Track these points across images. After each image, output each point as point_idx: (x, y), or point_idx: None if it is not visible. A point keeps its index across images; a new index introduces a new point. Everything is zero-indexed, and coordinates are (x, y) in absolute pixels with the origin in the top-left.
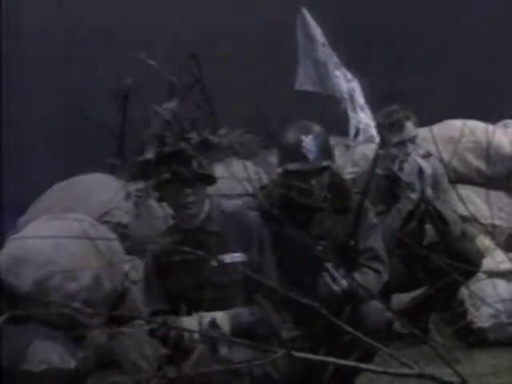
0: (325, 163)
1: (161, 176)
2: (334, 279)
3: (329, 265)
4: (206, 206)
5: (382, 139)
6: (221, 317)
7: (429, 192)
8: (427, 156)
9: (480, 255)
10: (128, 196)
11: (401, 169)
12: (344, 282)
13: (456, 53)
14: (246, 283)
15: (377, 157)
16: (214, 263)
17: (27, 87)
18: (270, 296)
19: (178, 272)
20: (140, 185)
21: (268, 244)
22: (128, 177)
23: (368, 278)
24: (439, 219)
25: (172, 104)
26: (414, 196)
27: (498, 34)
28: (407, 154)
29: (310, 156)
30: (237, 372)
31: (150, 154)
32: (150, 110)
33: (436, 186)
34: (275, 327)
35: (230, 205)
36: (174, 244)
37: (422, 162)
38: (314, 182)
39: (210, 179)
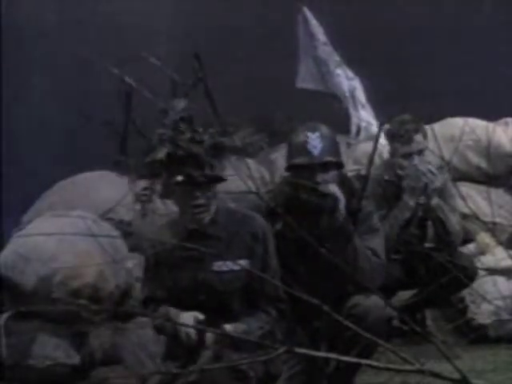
0: (329, 158)
1: (172, 177)
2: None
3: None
4: (213, 209)
5: (391, 147)
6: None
7: (435, 201)
8: (438, 168)
9: (475, 272)
10: (137, 197)
11: (406, 174)
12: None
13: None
14: (248, 291)
15: (373, 154)
16: (213, 267)
17: (28, 87)
18: (275, 303)
19: (176, 270)
20: (145, 183)
21: (273, 248)
22: (134, 176)
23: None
24: (443, 229)
25: (181, 103)
26: (412, 203)
27: (498, 33)
28: (414, 166)
29: (315, 151)
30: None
31: (160, 155)
32: (155, 109)
33: (442, 193)
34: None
35: (239, 207)
36: (173, 240)
37: (431, 176)
38: (319, 178)
39: (219, 181)
